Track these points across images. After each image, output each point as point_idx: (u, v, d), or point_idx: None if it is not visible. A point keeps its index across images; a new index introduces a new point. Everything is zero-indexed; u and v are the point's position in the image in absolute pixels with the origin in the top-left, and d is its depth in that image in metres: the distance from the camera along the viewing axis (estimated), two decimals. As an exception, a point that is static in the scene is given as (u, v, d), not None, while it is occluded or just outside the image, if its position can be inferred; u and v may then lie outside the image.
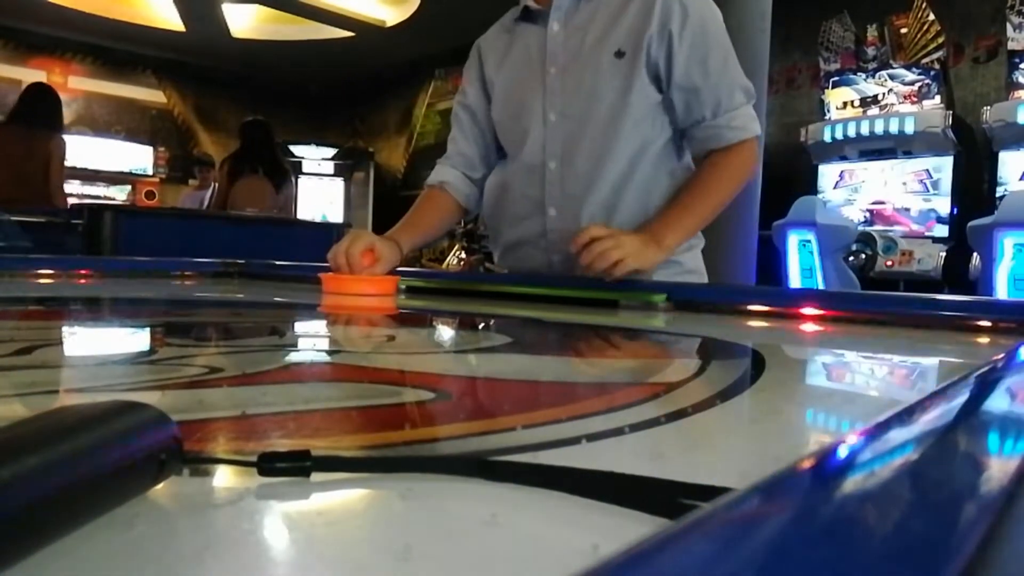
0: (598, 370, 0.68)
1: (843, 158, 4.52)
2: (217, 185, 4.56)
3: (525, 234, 1.38)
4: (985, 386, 0.40)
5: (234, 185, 4.08)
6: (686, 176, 1.34)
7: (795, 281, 3.94)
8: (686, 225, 1.26)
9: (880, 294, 1.06)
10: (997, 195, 3.84)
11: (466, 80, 1.48)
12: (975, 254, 3.59)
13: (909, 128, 4.14)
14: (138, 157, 7.81)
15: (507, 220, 1.42)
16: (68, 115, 7.36)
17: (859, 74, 4.50)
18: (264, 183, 4.12)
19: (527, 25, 1.37)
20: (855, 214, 4.38)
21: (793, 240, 3.94)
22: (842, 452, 0.22)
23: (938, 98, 4.24)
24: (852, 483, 0.20)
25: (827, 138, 4.45)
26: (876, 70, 4.43)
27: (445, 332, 0.99)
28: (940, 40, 4.28)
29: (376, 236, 1.32)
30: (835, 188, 4.56)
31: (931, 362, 0.84)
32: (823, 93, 4.64)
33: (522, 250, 1.40)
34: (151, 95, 8.19)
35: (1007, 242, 3.23)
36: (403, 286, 1.37)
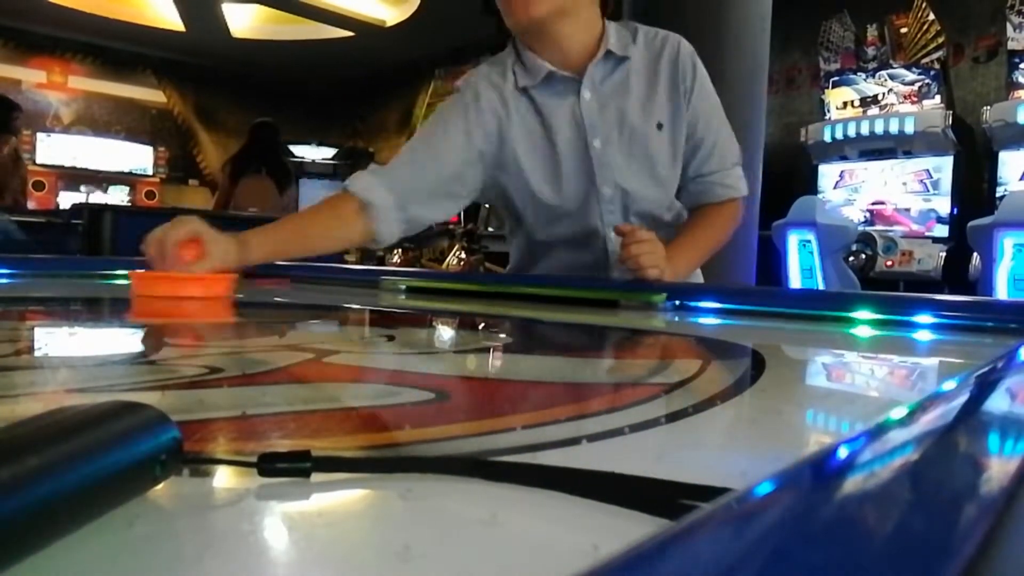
0: (598, 370, 0.68)
1: (843, 158, 4.52)
2: (219, 186, 4.56)
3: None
4: (985, 386, 0.40)
5: (238, 185, 4.08)
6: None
7: (795, 281, 3.94)
8: (690, 260, 1.33)
9: (880, 294, 1.06)
10: (997, 195, 3.84)
11: (453, 118, 1.30)
12: (975, 254, 3.59)
13: (909, 128, 4.14)
14: (138, 157, 7.82)
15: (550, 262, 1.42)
16: (68, 115, 7.38)
17: (859, 74, 4.50)
18: (268, 183, 4.12)
19: (552, 90, 1.29)
20: (855, 214, 4.38)
21: (793, 240, 3.94)
22: (842, 452, 0.22)
23: (938, 98, 4.24)
24: (852, 483, 0.20)
25: (827, 138, 4.46)
26: (876, 70, 4.43)
27: (445, 332, 0.99)
28: (940, 40, 4.29)
29: (205, 226, 1.10)
30: (835, 188, 4.56)
31: (931, 362, 0.84)
32: (823, 93, 4.64)
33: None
34: (151, 95, 8.20)
35: (1007, 242, 3.23)
36: (403, 286, 1.37)
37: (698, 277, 1.44)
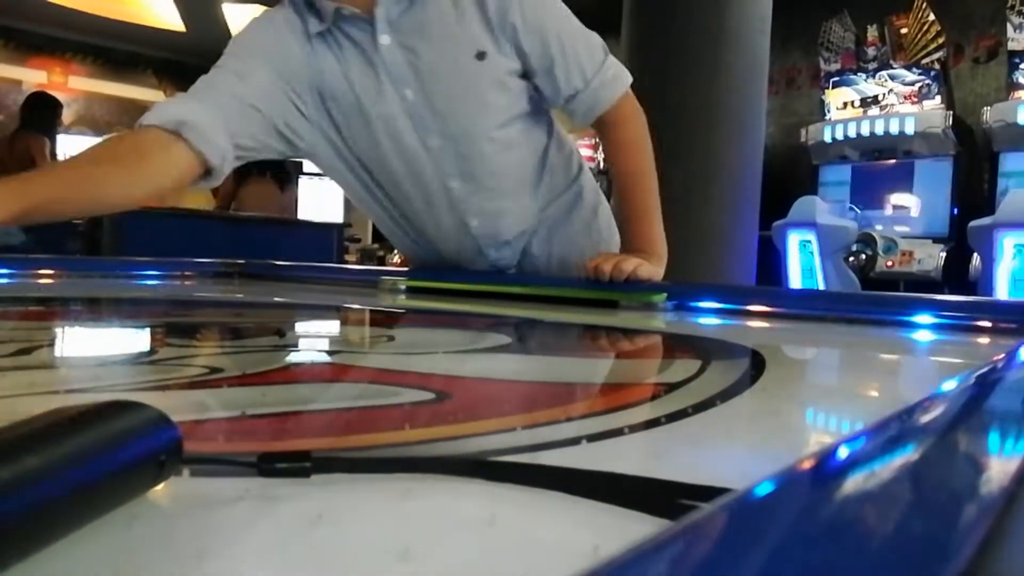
0: (597, 370, 0.68)
1: (843, 158, 4.52)
2: (221, 186, 4.56)
3: (451, 244, 1.32)
4: (985, 386, 0.40)
5: (241, 187, 4.08)
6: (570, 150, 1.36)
7: (795, 281, 3.94)
8: (654, 221, 1.25)
9: (880, 294, 1.06)
10: (997, 195, 3.84)
11: (252, 54, 1.13)
12: (975, 254, 3.59)
13: (909, 128, 4.14)
14: (138, 157, 7.82)
15: (426, 241, 1.34)
16: (68, 115, 7.37)
17: (859, 74, 4.50)
18: (272, 186, 4.13)
19: (343, 36, 1.14)
20: (855, 214, 4.38)
21: (793, 240, 3.94)
22: (842, 452, 0.22)
23: (938, 98, 4.24)
24: (852, 483, 0.20)
25: (827, 138, 4.46)
26: (876, 70, 4.43)
27: (445, 332, 0.99)
28: (940, 40, 4.29)
29: None
30: (835, 188, 4.56)
31: (931, 362, 0.84)
32: (823, 93, 4.64)
33: (455, 257, 1.35)
34: (151, 95, 8.19)
35: (1007, 242, 3.23)
36: (403, 286, 1.36)
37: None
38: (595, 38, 1.24)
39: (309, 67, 1.15)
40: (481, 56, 1.15)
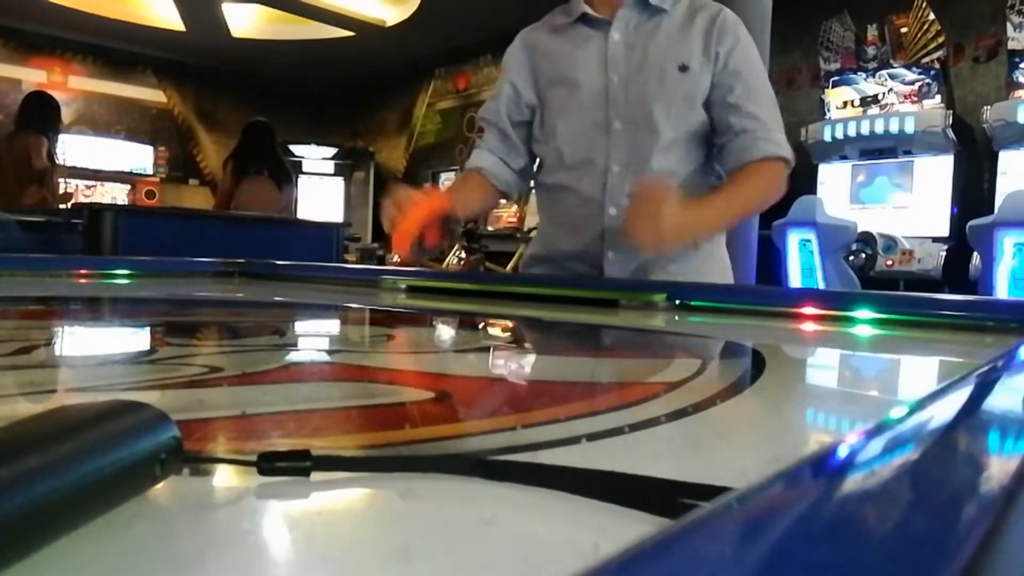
0: (598, 370, 0.68)
1: (843, 158, 4.52)
2: (220, 185, 4.56)
3: (582, 233, 1.39)
4: (985, 386, 0.40)
5: (240, 186, 4.08)
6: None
7: (795, 281, 3.94)
8: (717, 215, 1.32)
9: (880, 294, 1.06)
10: (997, 195, 3.84)
11: (513, 70, 1.47)
12: (975, 254, 3.59)
13: (909, 128, 4.14)
14: (138, 157, 7.81)
15: (564, 221, 1.43)
16: (68, 115, 7.37)
17: (859, 74, 4.49)
18: (270, 185, 4.12)
19: (584, 30, 1.39)
20: (855, 214, 4.37)
21: (793, 240, 3.94)
22: (842, 452, 0.22)
23: (938, 98, 4.24)
24: (852, 483, 0.20)
25: (827, 138, 4.45)
26: (876, 70, 4.43)
27: (445, 332, 0.99)
28: (940, 40, 4.28)
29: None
30: (835, 188, 4.56)
31: (931, 362, 0.84)
32: (823, 93, 4.64)
33: (578, 247, 1.41)
34: (151, 95, 8.19)
35: (1007, 242, 3.23)
36: (403, 286, 1.37)
37: (726, 270, 1.44)
38: (779, 116, 1.36)
39: (537, 60, 1.45)
40: (684, 68, 1.31)
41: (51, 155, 4.22)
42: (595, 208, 1.36)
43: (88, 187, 7.30)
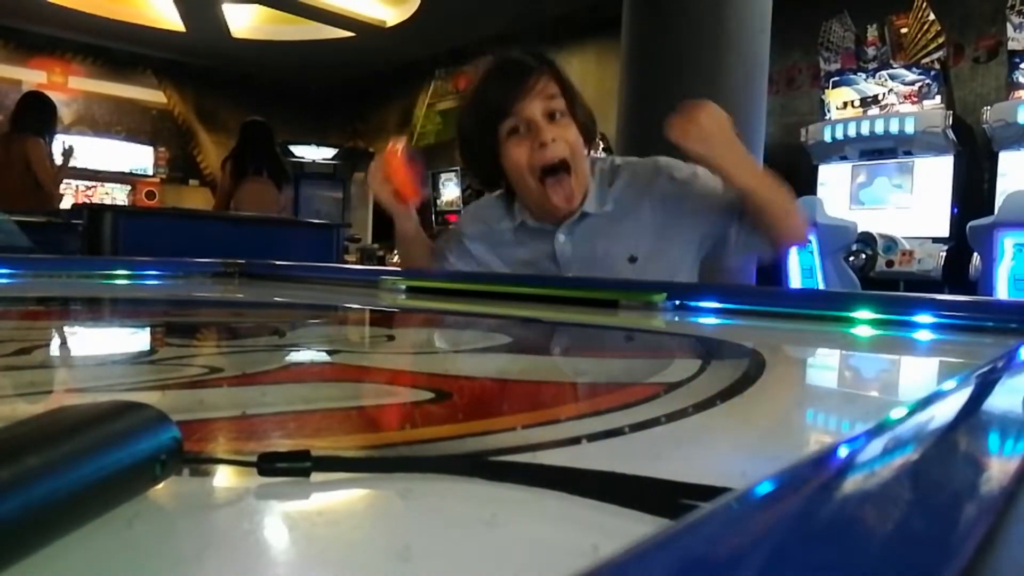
0: (598, 370, 0.68)
1: (843, 158, 4.52)
2: (220, 185, 4.56)
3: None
4: (985, 386, 0.40)
5: (239, 187, 4.08)
6: None
7: (795, 281, 3.94)
8: (756, 176, 1.32)
9: (880, 294, 1.06)
10: (997, 195, 3.84)
11: (448, 254, 1.51)
12: (975, 254, 3.59)
13: (909, 128, 4.14)
14: (138, 157, 7.81)
15: None
16: (68, 115, 7.37)
17: (859, 74, 4.49)
18: (269, 186, 4.13)
19: (526, 236, 1.43)
20: (855, 214, 4.37)
21: (793, 240, 3.93)
22: (842, 452, 0.22)
23: (938, 98, 4.23)
24: (852, 483, 0.20)
25: (827, 138, 4.45)
26: (876, 70, 4.43)
27: (445, 332, 0.99)
28: (940, 40, 4.28)
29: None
30: (835, 188, 4.56)
31: (931, 362, 0.84)
32: (823, 93, 4.64)
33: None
34: (151, 95, 8.19)
35: (1007, 242, 3.23)
36: (403, 286, 1.37)
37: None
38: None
39: (480, 252, 1.49)
40: (633, 260, 1.35)
41: (52, 158, 4.22)
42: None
43: (88, 188, 7.29)
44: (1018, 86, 3.92)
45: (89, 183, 7.32)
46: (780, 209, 1.33)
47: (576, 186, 1.33)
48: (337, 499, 0.28)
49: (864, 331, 0.95)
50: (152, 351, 0.70)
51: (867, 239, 4.09)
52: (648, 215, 1.36)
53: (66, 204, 4.89)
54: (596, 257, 1.36)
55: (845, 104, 4.54)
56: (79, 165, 7.15)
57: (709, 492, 0.26)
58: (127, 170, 7.73)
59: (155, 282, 1.58)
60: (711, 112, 1.24)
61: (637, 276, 1.33)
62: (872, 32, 4.50)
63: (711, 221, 1.37)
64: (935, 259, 3.94)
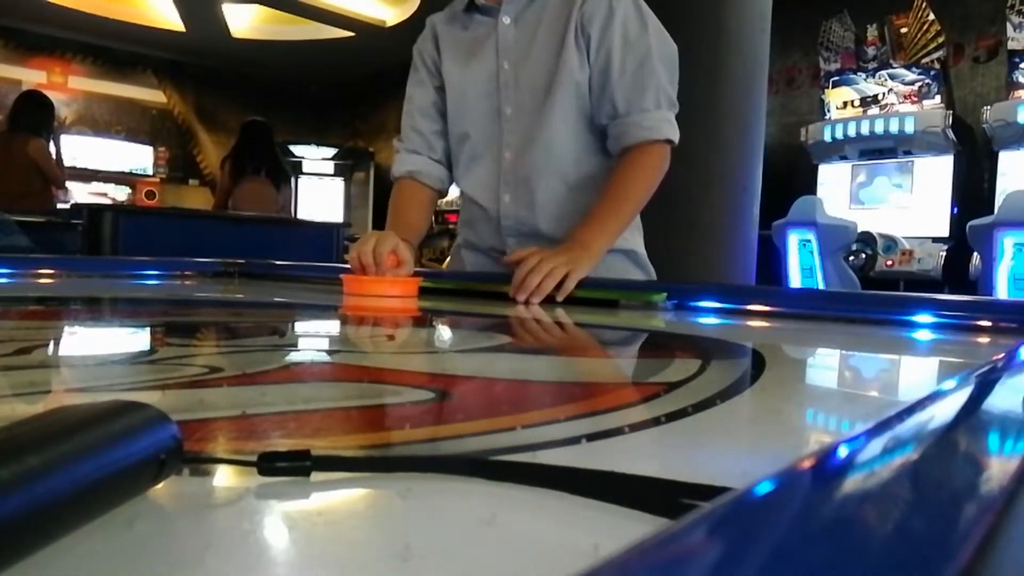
0: (598, 370, 0.68)
1: (843, 158, 4.52)
2: (219, 184, 4.56)
3: (483, 224, 1.44)
4: (985, 386, 0.40)
5: (237, 186, 4.08)
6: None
7: (795, 281, 3.94)
8: (609, 230, 1.29)
9: (880, 294, 1.06)
10: (997, 195, 3.84)
11: (420, 58, 1.48)
12: (975, 254, 3.59)
13: (909, 128, 4.14)
14: (138, 157, 7.81)
15: (470, 213, 1.48)
16: (68, 115, 7.38)
17: (859, 74, 4.50)
18: (268, 186, 4.13)
19: (478, 17, 1.40)
20: (855, 214, 4.38)
21: (793, 240, 3.94)
22: (842, 452, 0.22)
23: (938, 98, 4.24)
24: (852, 483, 0.20)
25: (827, 138, 4.46)
26: (876, 70, 4.43)
27: (445, 332, 0.99)
28: (940, 40, 4.29)
29: (398, 238, 1.27)
30: (835, 188, 4.56)
31: (931, 362, 0.84)
32: (823, 93, 4.64)
33: (479, 232, 1.46)
34: (151, 95, 8.19)
35: (1007, 242, 3.23)
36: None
37: (648, 270, 1.45)
38: (665, 89, 1.32)
39: (440, 46, 1.44)
40: (562, 48, 1.30)
41: (59, 159, 4.22)
42: (491, 196, 1.39)
43: (91, 192, 7.30)
44: (1018, 86, 3.92)
45: (88, 183, 7.32)
46: (641, 200, 1.33)
47: None
48: (337, 499, 0.28)
49: (864, 331, 0.95)
50: (152, 351, 0.70)
51: (867, 239, 4.10)
52: (576, 15, 1.31)
53: (74, 199, 4.89)
54: (535, 44, 1.33)
55: (845, 104, 4.54)
56: (80, 165, 7.17)
57: (709, 492, 0.26)
58: (127, 170, 7.73)
59: (155, 282, 1.58)
60: (542, 260, 1.16)
61: (566, 70, 1.29)
62: (872, 32, 4.50)
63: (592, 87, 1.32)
64: (935, 259, 3.95)
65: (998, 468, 0.23)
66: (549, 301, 1.16)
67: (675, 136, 1.33)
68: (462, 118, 1.41)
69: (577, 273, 1.16)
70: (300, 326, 1.05)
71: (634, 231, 1.44)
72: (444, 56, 1.44)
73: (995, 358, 0.49)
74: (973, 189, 4.15)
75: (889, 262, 4.05)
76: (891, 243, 4.07)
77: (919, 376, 0.74)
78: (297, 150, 7.87)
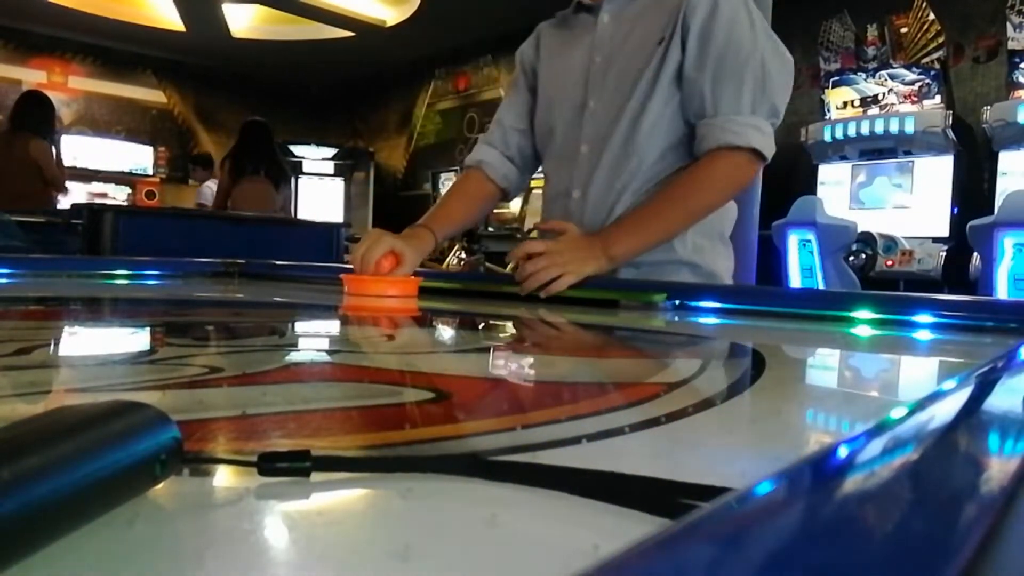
0: (598, 370, 0.68)
1: (843, 158, 4.52)
2: (218, 183, 4.56)
3: (557, 215, 1.37)
4: (985, 386, 0.40)
5: (237, 186, 4.08)
6: None
7: (795, 281, 3.94)
8: (643, 235, 1.22)
9: (880, 294, 1.06)
10: (997, 195, 3.84)
11: (520, 60, 1.50)
12: (975, 254, 3.59)
13: (909, 128, 4.14)
14: (138, 157, 7.81)
15: (546, 211, 1.47)
16: (68, 115, 7.38)
17: (859, 74, 4.50)
18: (267, 185, 4.13)
19: (583, 16, 1.40)
20: (855, 214, 4.37)
21: (793, 240, 3.94)
22: (842, 452, 0.22)
23: (938, 98, 4.24)
24: (852, 483, 0.20)
25: (827, 138, 4.45)
26: (876, 70, 4.43)
27: (445, 332, 0.99)
28: (940, 40, 4.29)
29: (396, 238, 1.24)
30: (835, 188, 4.56)
31: (931, 362, 0.84)
32: (823, 93, 4.64)
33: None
34: (151, 95, 8.19)
35: (1007, 242, 3.23)
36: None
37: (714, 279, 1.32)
38: (767, 98, 1.21)
39: (540, 49, 1.47)
40: (661, 41, 1.25)
41: (59, 160, 4.22)
42: (563, 194, 1.36)
43: (91, 193, 7.29)
44: (1018, 86, 3.92)
45: (88, 183, 7.31)
46: (698, 214, 1.25)
47: None
48: (337, 499, 0.28)
49: (864, 331, 0.95)
50: (152, 351, 0.70)
51: (867, 239, 4.09)
52: (671, 9, 1.25)
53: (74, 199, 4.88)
54: (631, 39, 1.29)
55: (845, 104, 4.54)
56: (80, 165, 7.17)
57: (709, 492, 0.26)
58: (127, 170, 7.73)
59: (155, 282, 1.58)
60: (547, 252, 1.15)
61: (657, 63, 1.24)
62: (872, 32, 4.50)
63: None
64: (935, 259, 3.94)
65: (998, 468, 0.23)
66: (534, 299, 1.16)
67: (764, 147, 1.20)
68: (550, 112, 1.40)
69: (573, 276, 1.14)
70: (300, 326, 1.05)
71: (714, 242, 1.32)
72: (542, 56, 1.45)
73: (995, 358, 0.49)
74: (973, 189, 4.15)
75: (889, 262, 4.05)
76: (891, 243, 4.07)
77: (919, 376, 0.74)
78: (297, 150, 7.87)
